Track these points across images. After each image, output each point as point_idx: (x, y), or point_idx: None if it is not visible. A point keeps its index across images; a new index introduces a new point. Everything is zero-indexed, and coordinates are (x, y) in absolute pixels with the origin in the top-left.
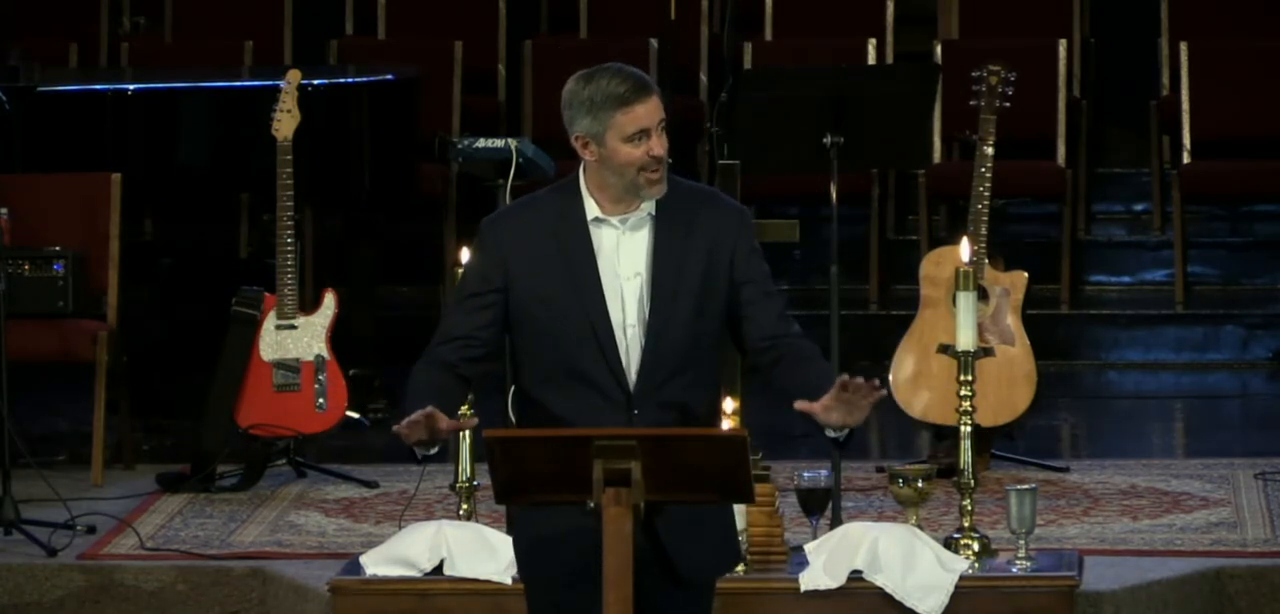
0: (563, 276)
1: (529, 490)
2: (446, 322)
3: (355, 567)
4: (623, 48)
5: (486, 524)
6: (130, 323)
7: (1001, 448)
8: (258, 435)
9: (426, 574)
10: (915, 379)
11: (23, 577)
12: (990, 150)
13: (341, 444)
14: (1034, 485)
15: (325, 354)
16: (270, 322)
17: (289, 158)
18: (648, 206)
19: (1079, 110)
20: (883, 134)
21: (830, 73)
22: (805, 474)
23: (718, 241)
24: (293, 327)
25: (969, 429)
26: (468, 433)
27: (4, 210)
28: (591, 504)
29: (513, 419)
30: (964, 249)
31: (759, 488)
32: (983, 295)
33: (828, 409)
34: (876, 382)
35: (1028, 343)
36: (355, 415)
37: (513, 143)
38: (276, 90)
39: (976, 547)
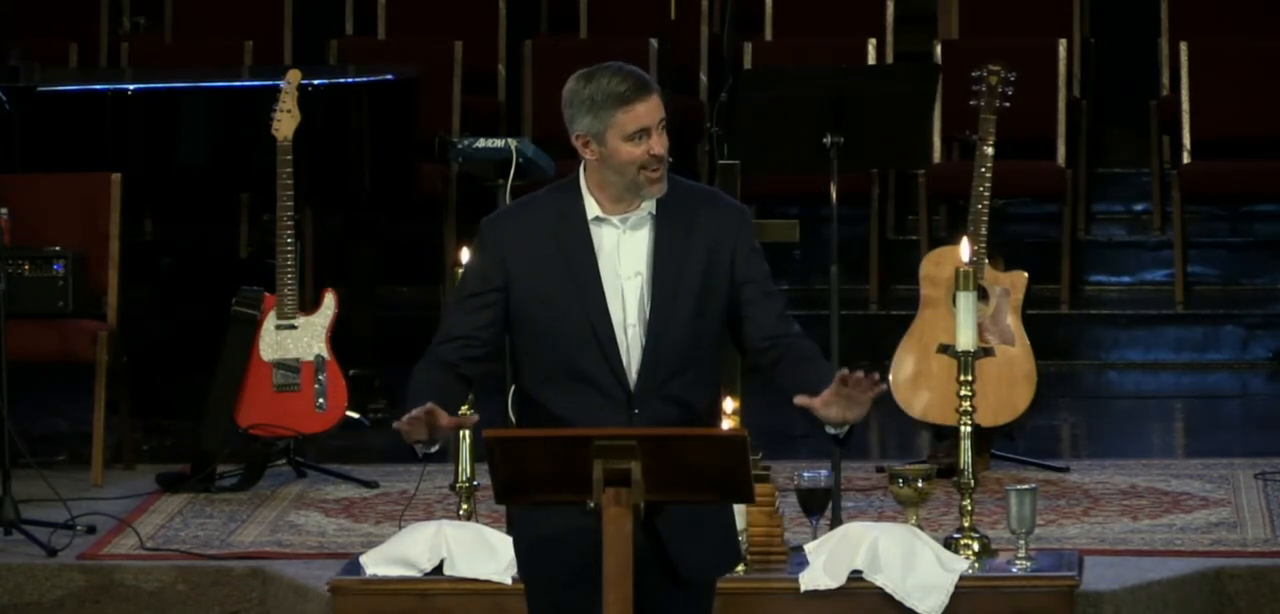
0: (563, 276)
1: (529, 490)
2: (447, 322)
3: (355, 567)
4: (623, 48)
5: (486, 524)
6: (130, 323)
7: (1001, 448)
8: (258, 435)
9: (426, 574)
10: (915, 379)
11: (23, 577)
12: (990, 150)
13: (341, 444)
14: (1034, 485)
15: (325, 354)
16: (270, 321)
17: (289, 158)
18: (648, 206)
19: (1079, 110)
20: (883, 134)
21: (830, 73)
22: (805, 474)
23: (718, 241)
24: (293, 327)
25: (969, 429)
26: (468, 433)
27: (4, 210)
28: (591, 504)
29: (513, 419)
30: (964, 249)
31: (759, 488)
32: (983, 295)
33: (827, 404)
34: (876, 375)
35: (1028, 343)
36: (355, 415)
37: (513, 143)
38: (276, 90)
39: (976, 547)
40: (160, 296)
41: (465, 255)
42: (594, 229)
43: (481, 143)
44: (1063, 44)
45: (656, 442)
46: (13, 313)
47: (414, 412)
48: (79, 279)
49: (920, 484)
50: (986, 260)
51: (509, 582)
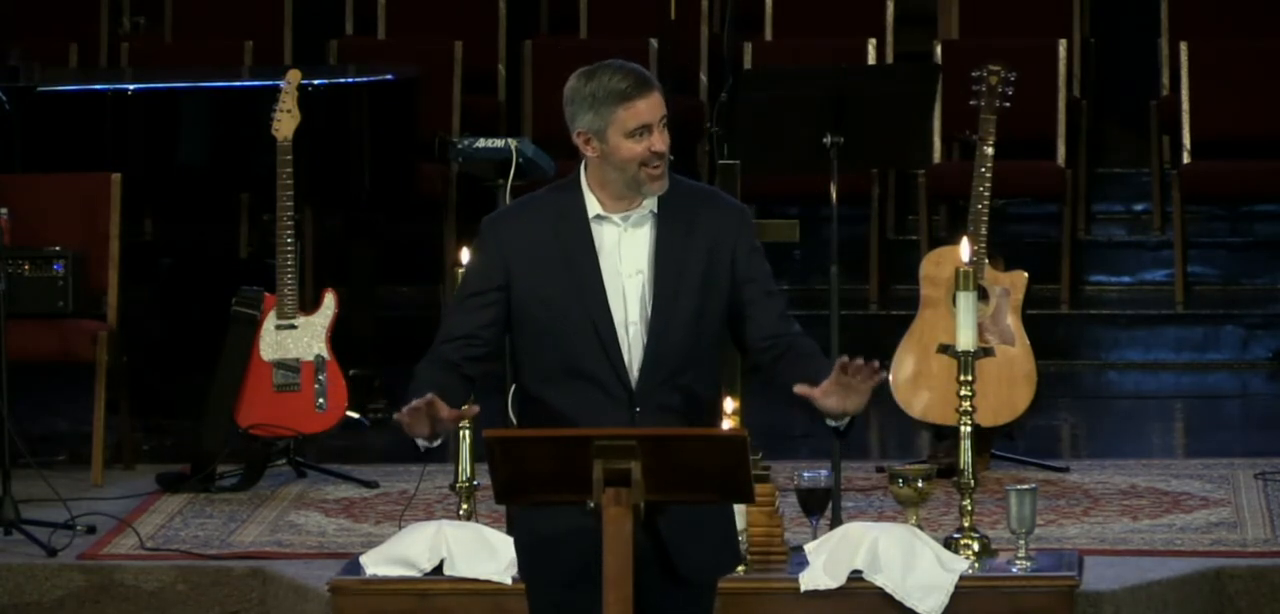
0: (564, 274)
1: (529, 490)
2: (448, 321)
3: (355, 567)
4: (623, 48)
5: (486, 524)
6: (130, 323)
7: (1001, 448)
8: (258, 435)
9: (426, 574)
10: (915, 379)
11: (23, 577)
12: (990, 150)
13: (341, 444)
14: (1034, 485)
15: (325, 354)
16: (270, 322)
17: (289, 158)
18: (649, 204)
19: (1079, 110)
20: (883, 134)
21: (830, 73)
22: (805, 474)
23: (718, 241)
24: (293, 327)
25: (969, 429)
26: (468, 433)
27: (4, 210)
28: (591, 504)
29: (513, 419)
30: (964, 249)
31: (759, 488)
32: (983, 295)
33: (827, 393)
34: (876, 363)
35: (1028, 343)
36: (355, 415)
37: (513, 143)
38: (276, 90)
39: (976, 547)
40: (160, 296)
41: (465, 255)
42: (595, 227)
43: (481, 143)
44: (1063, 44)
45: (656, 442)
46: (13, 313)
47: (415, 402)
48: (79, 279)
49: (920, 484)
50: (986, 260)
51: (509, 582)
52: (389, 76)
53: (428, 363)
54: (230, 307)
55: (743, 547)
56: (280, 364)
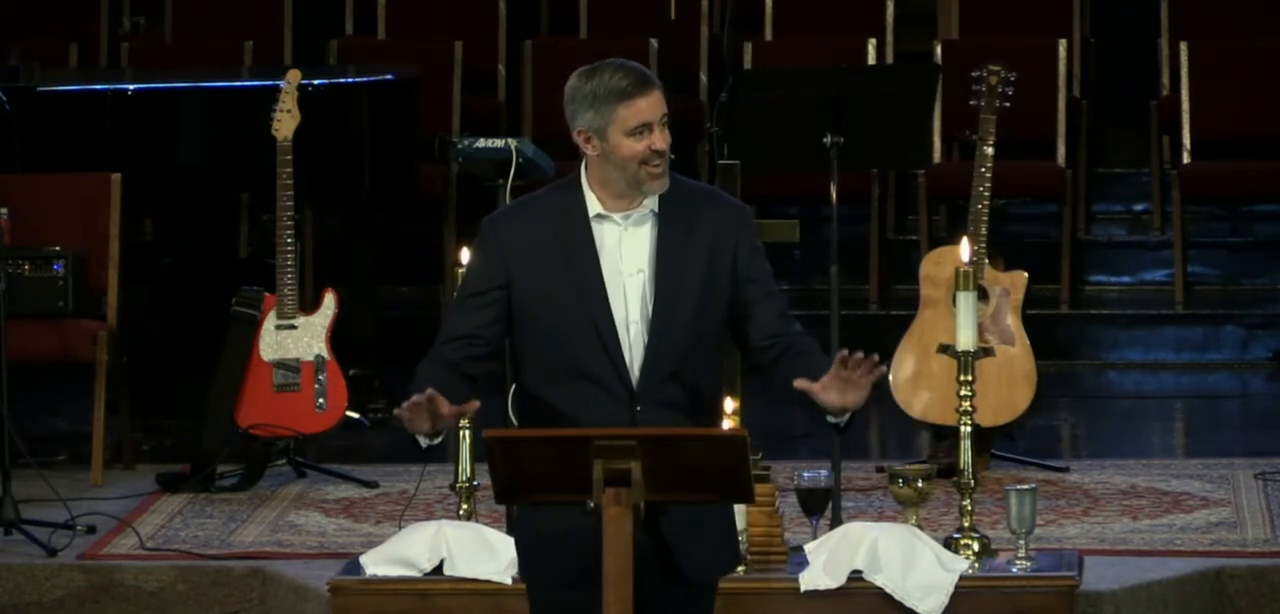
0: (565, 273)
1: (529, 490)
2: (449, 321)
3: (355, 567)
4: (623, 48)
5: (486, 524)
6: (130, 323)
7: (1001, 448)
8: (258, 435)
9: (426, 574)
10: (915, 379)
11: (23, 577)
12: (990, 150)
13: (341, 444)
14: (1034, 485)
15: (325, 354)
16: (270, 321)
17: (289, 158)
18: (650, 203)
19: (1079, 110)
20: (883, 134)
21: (830, 73)
22: (805, 474)
23: (719, 240)
24: (293, 327)
25: (969, 429)
26: (468, 434)
27: (4, 210)
28: (591, 504)
29: (513, 418)
30: (964, 249)
31: (759, 488)
32: (983, 295)
33: (826, 388)
34: (875, 357)
35: (1028, 343)
36: (355, 415)
37: (513, 143)
38: (276, 90)
39: (976, 547)
40: (160, 296)
41: (465, 255)
42: (596, 226)
43: (481, 143)
44: (1063, 44)
45: (656, 442)
46: (13, 313)
47: (415, 397)
48: (79, 279)
49: (920, 484)
50: (986, 260)
51: (509, 582)
52: (389, 76)
53: (429, 362)
54: (230, 306)
55: (743, 547)
56: (280, 364)
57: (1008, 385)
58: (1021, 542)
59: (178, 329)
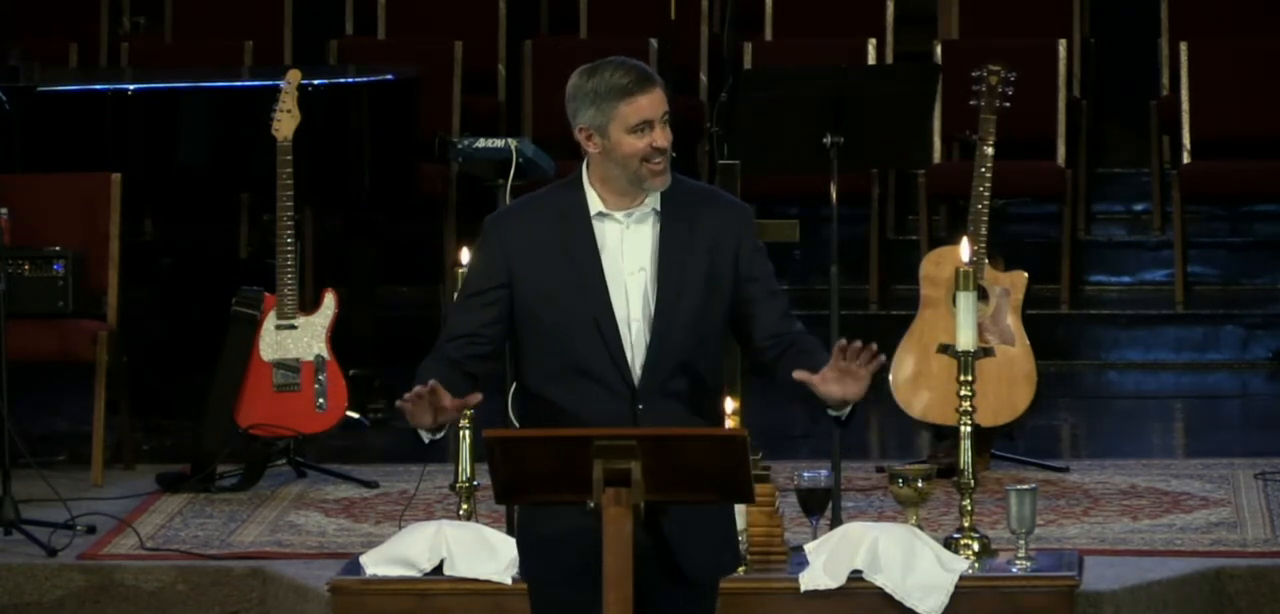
0: (567, 272)
1: (529, 490)
2: (451, 320)
3: (355, 567)
4: (623, 48)
5: (486, 524)
6: (130, 323)
7: (1001, 448)
8: (258, 435)
9: (426, 574)
10: (915, 379)
11: (23, 577)
12: (990, 150)
13: (341, 444)
14: (1034, 485)
15: (325, 354)
16: (270, 322)
17: (289, 158)
18: (651, 201)
19: (1079, 110)
20: (883, 134)
21: (830, 73)
22: (805, 474)
23: (720, 240)
24: (293, 327)
25: (969, 429)
26: (468, 433)
27: (4, 210)
28: (592, 504)
29: (513, 418)
30: (964, 249)
31: (759, 488)
32: (983, 295)
33: (826, 380)
34: (874, 347)
35: (1028, 343)
36: (355, 415)
37: (513, 143)
38: (276, 90)
39: (976, 547)
40: (160, 296)
41: (465, 256)
42: (597, 224)
43: (481, 143)
44: (1063, 44)
45: (657, 441)
46: (13, 313)
47: (418, 389)
48: (79, 279)
49: (920, 484)
50: (986, 260)
51: (509, 582)
52: (389, 76)
53: (431, 360)
54: (230, 306)
55: (743, 547)
56: (280, 364)
57: (1008, 385)
58: (1021, 542)
59: (178, 329)
